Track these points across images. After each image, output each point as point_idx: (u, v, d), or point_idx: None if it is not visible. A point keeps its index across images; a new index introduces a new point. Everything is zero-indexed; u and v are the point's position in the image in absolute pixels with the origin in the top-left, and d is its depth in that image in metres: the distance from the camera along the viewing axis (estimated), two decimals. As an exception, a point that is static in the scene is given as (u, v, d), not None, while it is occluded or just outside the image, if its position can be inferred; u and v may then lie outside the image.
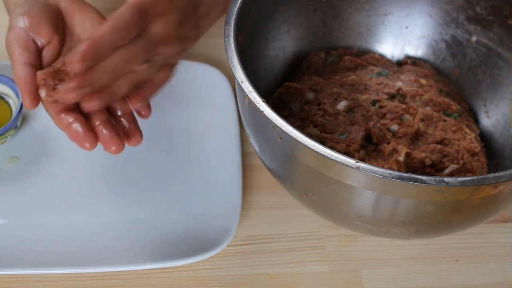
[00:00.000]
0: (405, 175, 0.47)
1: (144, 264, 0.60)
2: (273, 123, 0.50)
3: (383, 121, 0.64)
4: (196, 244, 0.62)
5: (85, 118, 0.54)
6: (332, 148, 0.51)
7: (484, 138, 0.68)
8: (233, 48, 0.55)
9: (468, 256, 0.65)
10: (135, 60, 0.54)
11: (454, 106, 0.67)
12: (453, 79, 0.72)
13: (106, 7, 0.64)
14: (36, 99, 0.52)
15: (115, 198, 0.67)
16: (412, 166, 0.60)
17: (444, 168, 0.61)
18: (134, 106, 0.56)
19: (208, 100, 0.74)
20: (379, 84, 0.68)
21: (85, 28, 0.57)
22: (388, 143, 0.61)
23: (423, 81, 0.69)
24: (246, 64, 0.55)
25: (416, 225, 0.55)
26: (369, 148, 0.62)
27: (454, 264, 0.64)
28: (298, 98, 0.66)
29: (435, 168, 0.61)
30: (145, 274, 0.62)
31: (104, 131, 0.54)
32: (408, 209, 0.52)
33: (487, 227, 0.66)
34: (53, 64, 0.53)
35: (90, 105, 0.52)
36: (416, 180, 0.47)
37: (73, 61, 0.50)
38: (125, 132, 0.56)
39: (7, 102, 0.71)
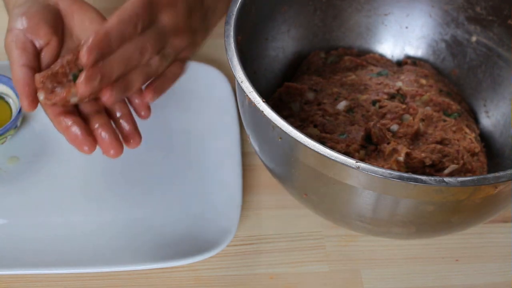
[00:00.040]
0: (405, 175, 0.47)
1: (144, 264, 0.60)
2: (273, 123, 0.50)
3: (383, 121, 0.64)
4: (196, 244, 0.62)
5: (84, 121, 0.54)
6: (332, 148, 0.51)
7: (484, 138, 0.68)
8: (233, 48, 0.55)
9: (468, 256, 0.65)
10: (146, 51, 0.53)
11: (454, 106, 0.67)
12: (453, 79, 0.72)
13: (107, 7, 0.64)
14: (34, 101, 0.52)
15: (115, 198, 0.67)
16: (412, 166, 0.60)
17: (444, 168, 0.61)
18: (147, 99, 0.55)
19: (208, 100, 0.74)
20: (379, 84, 0.68)
21: (84, 28, 0.57)
22: (388, 143, 0.61)
23: (423, 81, 0.69)
24: (246, 64, 0.55)
25: (416, 225, 0.55)
26: (369, 148, 0.62)
27: (454, 264, 0.64)
28: (298, 98, 0.66)
29: (435, 168, 0.61)
30: (145, 274, 0.62)
31: (103, 135, 0.53)
32: (408, 209, 0.52)
33: (487, 227, 0.66)
34: (51, 67, 0.53)
35: (105, 98, 0.51)
36: (416, 180, 0.47)
37: (86, 51, 0.49)
38: (124, 134, 0.56)
39: (7, 102, 0.71)
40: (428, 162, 0.61)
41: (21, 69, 0.53)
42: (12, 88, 0.70)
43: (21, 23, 0.55)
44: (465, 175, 0.61)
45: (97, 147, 0.54)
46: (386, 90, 0.67)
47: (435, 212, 0.51)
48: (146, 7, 0.53)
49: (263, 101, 0.52)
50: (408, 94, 0.67)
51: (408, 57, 0.74)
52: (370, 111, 0.65)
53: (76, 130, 0.53)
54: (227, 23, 0.57)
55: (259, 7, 0.64)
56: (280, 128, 0.50)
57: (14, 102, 0.71)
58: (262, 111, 0.51)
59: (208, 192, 0.67)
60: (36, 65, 0.54)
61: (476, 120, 0.70)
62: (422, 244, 0.65)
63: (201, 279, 0.62)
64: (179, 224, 0.64)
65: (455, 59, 0.72)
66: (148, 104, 0.57)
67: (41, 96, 0.52)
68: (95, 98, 0.54)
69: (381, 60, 0.73)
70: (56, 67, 0.52)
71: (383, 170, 0.47)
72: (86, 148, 0.53)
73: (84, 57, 0.49)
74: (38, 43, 0.55)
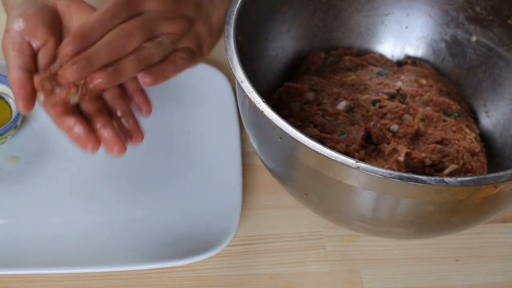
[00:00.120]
0: (405, 175, 0.47)
1: (144, 264, 0.60)
2: (273, 123, 0.50)
3: (383, 121, 0.64)
4: (196, 244, 0.62)
5: (86, 120, 0.54)
6: (332, 148, 0.51)
7: (484, 138, 0.68)
8: (233, 48, 0.55)
9: (468, 256, 0.65)
10: (133, 35, 0.53)
11: (454, 106, 0.67)
12: (453, 79, 0.72)
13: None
14: (30, 103, 0.52)
15: (115, 198, 0.67)
16: (412, 166, 0.60)
17: (444, 168, 0.61)
18: (143, 81, 0.55)
19: (208, 100, 0.74)
20: (379, 84, 0.68)
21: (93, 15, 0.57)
22: (388, 143, 0.61)
23: (423, 81, 0.69)
24: (246, 64, 0.55)
25: (416, 225, 0.55)
26: (369, 148, 0.62)
27: (454, 264, 0.64)
28: (298, 98, 0.66)
29: (435, 168, 0.61)
30: (145, 274, 0.62)
31: (106, 133, 0.53)
32: (408, 209, 0.52)
33: (487, 227, 0.66)
34: (50, 68, 0.53)
35: (96, 82, 0.51)
36: (416, 180, 0.47)
37: (66, 43, 0.51)
38: (126, 131, 0.56)
39: (7, 102, 0.71)
40: (428, 162, 0.61)
41: (17, 71, 0.53)
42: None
43: (18, 25, 0.55)
44: (465, 175, 0.61)
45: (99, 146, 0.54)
46: (386, 90, 0.67)
47: (435, 212, 0.51)
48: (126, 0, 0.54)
49: (263, 101, 0.52)
50: (408, 94, 0.67)
51: (408, 57, 0.74)
52: (370, 111, 0.65)
53: (79, 129, 0.53)
54: (227, 23, 0.57)
55: (259, 7, 0.64)
56: (280, 128, 0.50)
57: (14, 102, 0.71)
58: (262, 111, 0.51)
59: (208, 192, 0.67)
60: (32, 67, 0.54)
61: (476, 120, 0.70)
62: (422, 244, 0.65)
63: (201, 279, 0.62)
64: (179, 224, 0.64)
65: (455, 59, 0.72)
66: (149, 101, 0.57)
67: (41, 97, 0.52)
68: (96, 96, 0.54)
69: (381, 60, 0.73)
70: (55, 67, 0.52)
71: (383, 170, 0.47)
72: (90, 147, 0.53)
73: (64, 50, 0.51)
74: (35, 44, 0.55)
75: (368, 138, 0.63)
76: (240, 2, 0.58)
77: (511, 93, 0.67)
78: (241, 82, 0.53)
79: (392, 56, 0.75)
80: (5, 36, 0.55)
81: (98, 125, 0.54)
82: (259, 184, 0.69)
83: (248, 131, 0.60)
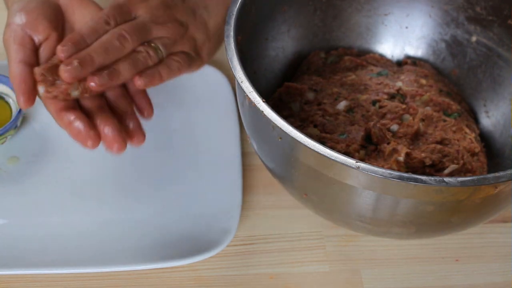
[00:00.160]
0: (405, 175, 0.47)
1: (144, 264, 0.60)
2: (273, 123, 0.50)
3: (383, 121, 0.64)
4: (196, 244, 0.62)
5: (87, 117, 0.53)
6: (332, 148, 0.51)
7: (484, 138, 0.68)
8: (233, 48, 0.55)
9: (468, 256, 0.65)
10: (125, 39, 0.54)
11: (454, 106, 0.67)
12: (453, 79, 0.72)
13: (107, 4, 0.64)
14: (31, 98, 0.52)
15: (115, 198, 0.67)
16: (412, 166, 0.60)
17: (444, 168, 0.61)
18: (136, 84, 0.55)
19: (208, 100, 0.74)
20: (379, 84, 0.68)
21: (85, 23, 0.57)
22: (388, 143, 0.61)
23: (423, 81, 0.69)
24: (246, 64, 0.55)
25: (416, 225, 0.55)
26: (369, 148, 0.62)
27: (454, 264, 0.64)
28: (298, 98, 0.66)
29: (435, 168, 0.61)
30: (145, 274, 0.62)
31: (106, 130, 0.53)
32: (408, 209, 0.52)
33: (487, 227, 0.66)
34: (51, 60, 0.53)
35: (91, 84, 0.52)
36: (416, 180, 0.47)
37: (61, 48, 0.52)
38: (127, 131, 0.56)
39: (7, 102, 0.71)
40: (428, 162, 0.61)
41: (18, 66, 0.53)
42: (12, 88, 0.70)
43: (19, 18, 0.55)
44: (465, 175, 0.61)
45: (100, 146, 0.53)
46: (386, 90, 0.67)
47: (435, 212, 0.51)
48: (120, 7, 0.55)
49: (263, 101, 0.52)
50: (408, 94, 0.67)
51: (408, 57, 0.74)
52: (370, 111, 0.65)
53: (79, 124, 0.52)
54: (227, 23, 0.57)
55: (259, 7, 0.64)
56: (280, 128, 0.50)
57: (14, 102, 0.71)
58: (262, 111, 0.51)
59: (208, 192, 0.66)
60: (34, 61, 0.54)
61: (476, 120, 0.70)
62: (422, 244, 0.65)
63: (201, 279, 0.62)
64: (179, 224, 0.64)
65: (455, 59, 0.72)
66: (151, 104, 0.58)
67: (41, 89, 0.51)
68: (97, 94, 0.54)
69: (381, 60, 0.73)
70: (55, 60, 0.52)
71: (383, 170, 0.47)
72: (89, 142, 0.52)
73: (61, 54, 0.51)
74: (37, 38, 0.55)
75: (368, 138, 0.63)
76: (240, 2, 0.59)
77: (511, 93, 0.67)
78: (241, 82, 0.53)
79: (392, 56, 0.75)
80: (6, 29, 0.55)
81: (99, 121, 0.53)
82: (259, 184, 0.69)
83: (248, 131, 0.60)
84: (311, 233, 0.65)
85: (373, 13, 0.73)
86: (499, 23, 0.67)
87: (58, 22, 0.56)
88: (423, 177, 0.47)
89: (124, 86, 0.57)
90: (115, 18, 0.55)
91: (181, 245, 0.62)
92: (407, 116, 0.65)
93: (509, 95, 0.67)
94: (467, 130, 0.65)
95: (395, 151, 0.60)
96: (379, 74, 0.70)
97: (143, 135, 0.56)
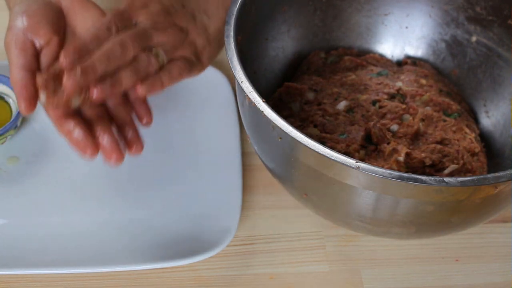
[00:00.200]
0: (405, 175, 0.47)
1: (144, 264, 0.60)
2: (273, 123, 0.50)
3: (383, 121, 0.64)
4: (196, 244, 0.62)
5: (87, 125, 0.54)
6: (332, 148, 0.51)
7: (484, 138, 0.68)
8: (233, 48, 0.55)
9: (468, 256, 0.65)
10: (127, 46, 0.54)
11: (454, 106, 0.67)
12: (453, 79, 0.72)
13: (107, 7, 0.64)
14: (32, 104, 0.52)
15: (115, 198, 0.67)
16: (412, 166, 0.60)
17: (444, 168, 0.61)
18: (138, 92, 0.55)
19: (208, 100, 0.74)
20: (379, 84, 0.68)
21: (86, 26, 0.57)
22: (388, 143, 0.61)
23: (423, 81, 0.69)
24: (246, 64, 0.55)
25: (416, 225, 0.55)
26: (369, 148, 0.62)
27: (454, 264, 0.64)
28: (298, 98, 0.66)
29: (435, 168, 0.61)
30: (145, 274, 0.62)
31: (105, 140, 0.53)
32: (408, 209, 0.52)
33: (487, 227, 0.66)
34: (53, 68, 0.53)
35: (94, 94, 0.52)
36: (416, 180, 0.47)
37: (64, 56, 0.51)
38: (126, 140, 0.56)
39: (7, 102, 0.71)
40: (428, 162, 0.61)
41: (20, 71, 0.53)
42: (12, 88, 0.70)
43: (21, 22, 0.55)
44: (465, 175, 0.61)
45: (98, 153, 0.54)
46: (386, 90, 0.67)
47: (435, 212, 0.51)
48: (120, 14, 0.55)
49: (263, 101, 0.52)
50: (408, 94, 0.67)
51: (408, 57, 0.74)
52: (370, 111, 0.65)
53: (78, 133, 0.53)
54: (227, 23, 0.57)
55: (259, 7, 0.64)
56: (280, 128, 0.50)
57: (14, 102, 0.71)
58: (262, 111, 0.51)
59: (208, 192, 0.66)
60: (35, 67, 0.54)
61: (476, 120, 0.70)
62: (422, 244, 0.65)
63: (201, 279, 0.62)
64: (179, 224, 0.64)
65: (455, 59, 0.72)
66: (150, 111, 0.58)
67: (42, 98, 0.51)
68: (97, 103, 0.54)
69: (381, 60, 0.73)
70: (57, 67, 0.52)
71: (383, 170, 0.47)
72: (88, 152, 0.53)
73: (63, 60, 0.51)
74: (38, 43, 0.55)
75: (368, 138, 0.63)
76: (240, 2, 0.59)
77: (511, 93, 0.67)
78: (241, 82, 0.53)
79: (392, 56, 0.75)
80: (8, 33, 0.55)
81: (98, 131, 0.54)
82: (259, 184, 0.69)
83: (248, 131, 0.60)
84: (311, 233, 0.65)
85: (373, 13, 0.73)
86: (499, 23, 0.67)
87: (60, 26, 0.56)
88: (423, 177, 0.47)
89: (124, 94, 0.57)
90: (117, 25, 0.55)
91: (181, 245, 0.62)
92: (407, 116, 0.65)
93: (509, 95, 0.67)
94: (467, 130, 0.65)
95: (395, 151, 0.60)
96: (379, 74, 0.70)
97: (141, 144, 0.56)
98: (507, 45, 0.67)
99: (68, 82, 0.51)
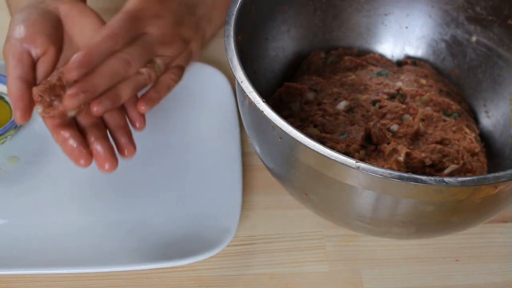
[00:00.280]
0: (405, 175, 0.47)
1: (144, 264, 0.60)
2: (273, 123, 0.50)
3: (383, 121, 0.64)
4: (196, 244, 0.62)
5: (82, 133, 0.55)
6: (332, 148, 0.51)
7: (484, 138, 0.68)
8: (233, 48, 0.55)
9: (468, 256, 0.65)
10: (132, 64, 0.54)
11: (454, 106, 0.67)
12: (453, 79, 0.72)
13: (111, 7, 0.64)
14: (27, 114, 0.53)
15: (115, 198, 0.67)
16: (412, 166, 0.60)
17: (444, 168, 0.61)
18: (140, 109, 0.56)
19: (208, 100, 0.74)
20: (379, 84, 0.68)
21: (84, 35, 0.57)
22: (388, 143, 0.61)
23: (423, 81, 0.69)
24: (246, 64, 0.55)
25: (416, 225, 0.55)
26: (369, 148, 0.62)
27: (454, 264, 0.64)
28: (298, 98, 0.66)
29: (435, 168, 0.61)
30: (145, 274, 0.62)
31: (98, 148, 0.54)
32: (408, 209, 0.52)
33: (487, 227, 0.66)
34: (49, 79, 0.53)
35: (94, 111, 0.53)
36: (416, 180, 0.47)
37: (70, 69, 0.51)
38: (119, 145, 0.57)
39: (7, 102, 0.71)
40: (428, 162, 0.61)
41: (16, 82, 0.54)
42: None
43: (18, 32, 0.56)
44: (465, 175, 0.61)
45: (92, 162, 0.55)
46: (386, 90, 0.67)
47: (435, 212, 0.51)
48: (131, 22, 0.55)
49: (263, 101, 0.52)
50: (408, 94, 0.67)
51: (408, 57, 0.74)
52: (370, 111, 0.65)
53: (73, 143, 0.54)
54: (227, 23, 0.57)
55: (259, 7, 0.64)
56: (280, 128, 0.50)
57: (14, 102, 0.71)
58: (262, 111, 0.51)
59: (208, 192, 0.66)
60: (31, 77, 0.55)
61: (476, 120, 0.70)
62: (422, 244, 0.65)
63: (201, 279, 0.62)
64: (179, 224, 0.64)
65: (455, 59, 0.72)
66: (143, 115, 0.58)
67: (39, 109, 0.53)
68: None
69: (381, 60, 0.73)
70: (54, 79, 0.53)
71: (383, 170, 0.47)
72: (82, 161, 0.54)
73: (74, 73, 0.51)
74: (35, 52, 0.56)
75: (368, 138, 0.63)
76: (240, 2, 0.59)
77: (511, 93, 0.67)
78: (241, 82, 0.53)
79: (392, 56, 0.75)
80: (6, 43, 0.56)
81: (92, 139, 0.55)
82: (259, 184, 0.69)
83: (248, 131, 0.60)
84: (311, 233, 0.65)
85: (373, 13, 0.73)
86: (499, 23, 0.67)
87: (57, 36, 0.57)
88: (423, 177, 0.47)
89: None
90: (123, 37, 0.54)
91: (181, 245, 0.62)
92: (407, 116, 0.65)
93: (509, 95, 0.67)
94: (467, 130, 0.65)
95: (395, 151, 0.60)
96: (379, 74, 0.70)
97: (133, 148, 0.57)
98: (507, 45, 0.67)
99: (69, 102, 0.51)
